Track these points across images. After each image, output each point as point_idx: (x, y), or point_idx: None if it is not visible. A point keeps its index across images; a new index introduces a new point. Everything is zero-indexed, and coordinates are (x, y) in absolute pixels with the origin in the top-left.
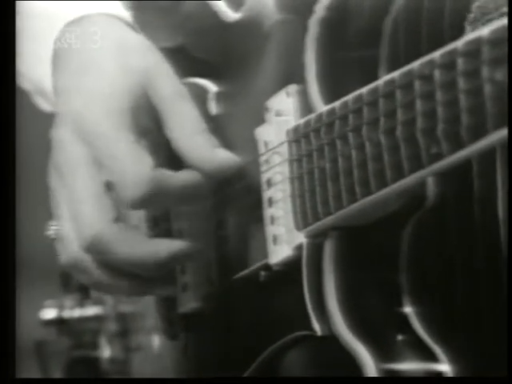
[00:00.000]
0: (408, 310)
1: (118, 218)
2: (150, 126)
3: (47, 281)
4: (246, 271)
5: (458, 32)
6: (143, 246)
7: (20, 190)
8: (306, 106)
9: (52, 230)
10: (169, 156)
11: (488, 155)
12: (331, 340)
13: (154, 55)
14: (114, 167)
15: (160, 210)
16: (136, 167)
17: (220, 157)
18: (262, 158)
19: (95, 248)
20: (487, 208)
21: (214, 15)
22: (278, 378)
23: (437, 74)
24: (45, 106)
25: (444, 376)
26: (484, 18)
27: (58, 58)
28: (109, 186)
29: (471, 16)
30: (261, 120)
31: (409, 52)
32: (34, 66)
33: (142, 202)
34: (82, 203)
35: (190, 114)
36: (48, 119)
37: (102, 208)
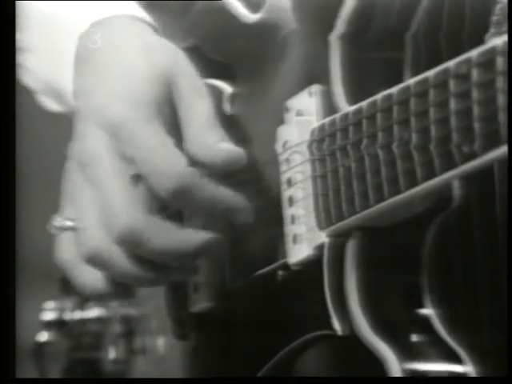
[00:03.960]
0: (430, 310)
1: (149, 211)
2: (170, 121)
3: (48, 282)
4: (262, 270)
5: (479, 38)
6: (175, 237)
7: (20, 191)
8: (329, 106)
9: (57, 224)
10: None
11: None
12: (352, 339)
13: (176, 53)
14: (144, 159)
15: (189, 208)
16: (169, 159)
17: (224, 150)
18: (282, 158)
19: (129, 239)
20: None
21: (229, 16)
22: (279, 378)
23: (474, 73)
24: (51, 105)
25: (445, 376)
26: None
27: (80, 60)
28: (136, 179)
29: (495, 18)
30: (278, 120)
31: (431, 56)
32: (44, 64)
33: (177, 194)
34: (113, 195)
35: (203, 111)
36: (51, 118)
37: (133, 199)
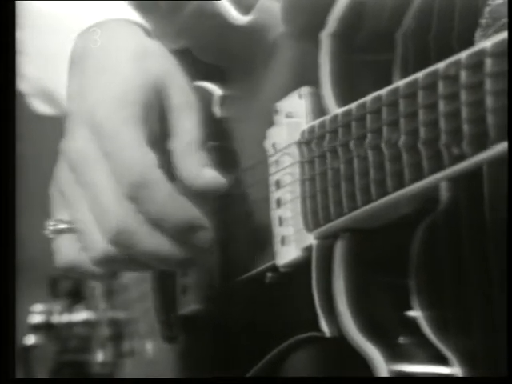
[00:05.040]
0: (417, 312)
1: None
2: (157, 128)
3: (37, 285)
4: (251, 272)
5: (468, 40)
6: (162, 244)
7: (20, 193)
8: (318, 108)
9: (52, 227)
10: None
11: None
12: (340, 341)
13: (170, 62)
14: (114, 154)
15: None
16: (136, 157)
17: (206, 177)
18: (272, 160)
19: (121, 238)
20: (498, 211)
21: (220, 17)
22: (277, 378)
23: (462, 75)
24: (43, 108)
25: (444, 376)
26: (496, 23)
27: (75, 62)
28: None
29: (483, 21)
30: (268, 122)
31: (420, 57)
32: (35, 67)
33: (137, 189)
34: (103, 196)
35: (192, 129)
36: (46, 122)
37: (122, 199)
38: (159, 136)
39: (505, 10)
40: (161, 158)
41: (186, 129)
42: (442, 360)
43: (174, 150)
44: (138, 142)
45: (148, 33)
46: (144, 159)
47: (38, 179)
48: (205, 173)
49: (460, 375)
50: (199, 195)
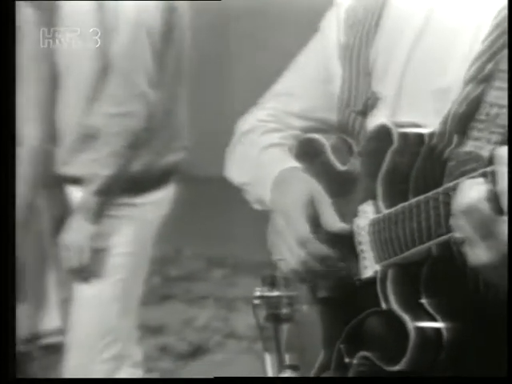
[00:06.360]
0: (425, 300)
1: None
2: (313, 213)
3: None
4: (351, 280)
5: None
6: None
7: None
8: (377, 210)
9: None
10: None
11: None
12: (390, 312)
13: (316, 184)
14: (293, 228)
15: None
16: (301, 231)
17: (338, 226)
18: (356, 232)
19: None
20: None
21: (332, 166)
22: (277, 378)
23: (431, 201)
24: (258, 206)
25: (444, 376)
26: (452, 175)
27: (274, 187)
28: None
29: (447, 172)
30: (355, 215)
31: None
32: (254, 191)
33: (303, 242)
34: (289, 244)
35: (328, 208)
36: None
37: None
38: (313, 217)
39: (460, 168)
40: (311, 225)
41: (326, 208)
42: (434, 320)
43: (323, 218)
44: (302, 222)
45: (304, 171)
46: (305, 228)
47: None
48: (337, 224)
49: (443, 327)
50: (336, 235)
